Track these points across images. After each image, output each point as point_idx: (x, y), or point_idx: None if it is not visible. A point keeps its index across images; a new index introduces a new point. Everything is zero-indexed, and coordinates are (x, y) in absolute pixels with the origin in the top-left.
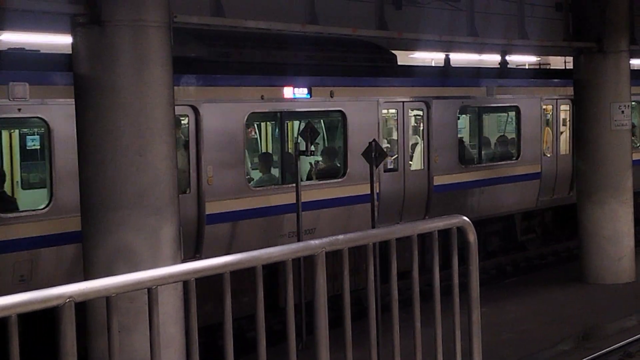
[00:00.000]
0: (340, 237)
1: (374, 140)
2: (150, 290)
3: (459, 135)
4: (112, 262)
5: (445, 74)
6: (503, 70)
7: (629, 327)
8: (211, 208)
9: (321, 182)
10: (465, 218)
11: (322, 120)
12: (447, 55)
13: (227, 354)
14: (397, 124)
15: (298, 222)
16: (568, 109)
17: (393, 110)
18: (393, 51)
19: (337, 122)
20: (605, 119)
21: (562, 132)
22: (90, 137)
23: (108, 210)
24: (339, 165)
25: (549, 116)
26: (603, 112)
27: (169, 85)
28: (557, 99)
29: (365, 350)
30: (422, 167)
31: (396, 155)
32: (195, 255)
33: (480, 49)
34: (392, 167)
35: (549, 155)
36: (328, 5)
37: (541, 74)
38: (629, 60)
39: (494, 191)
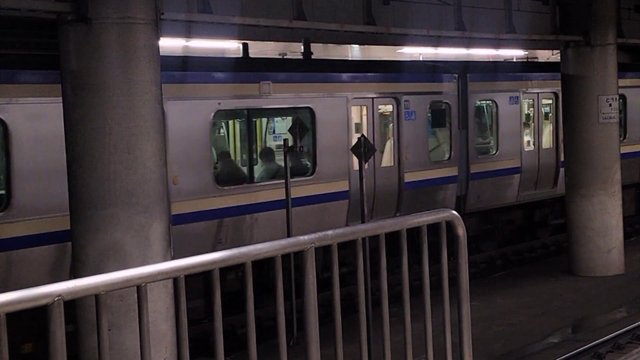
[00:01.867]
0: (329, 232)
1: (363, 135)
2: (140, 287)
3: (217, 148)
4: (102, 261)
5: (191, 67)
6: (287, 62)
7: (619, 319)
8: None
9: None
10: (454, 212)
11: None
12: (244, 44)
13: (218, 351)
14: None
15: (288, 219)
16: (391, 109)
17: None
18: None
19: None
20: (593, 112)
21: (387, 139)
22: (78, 135)
23: (97, 209)
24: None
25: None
26: (590, 105)
27: (157, 83)
28: (373, 98)
29: (355, 345)
30: None
31: None
32: None
33: (468, 44)
34: None
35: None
36: (315, 0)
37: (353, 67)
38: (616, 53)
39: (275, 218)
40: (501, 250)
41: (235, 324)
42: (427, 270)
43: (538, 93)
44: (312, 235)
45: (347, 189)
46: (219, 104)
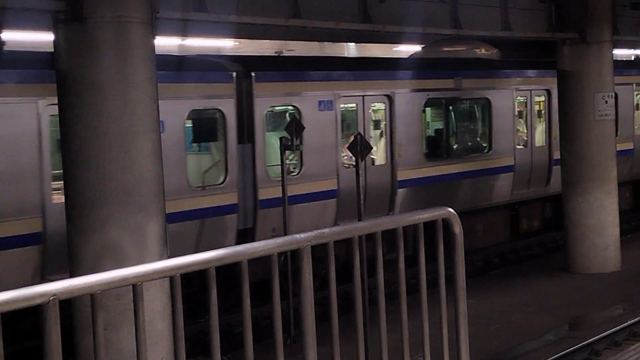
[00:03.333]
0: (326, 230)
1: (359, 133)
2: (135, 286)
3: None
4: (98, 260)
5: None
6: None
7: (615, 316)
8: None
9: None
10: (450, 210)
11: None
12: None
13: (214, 350)
14: None
15: (284, 216)
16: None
17: None
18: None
19: None
20: (589, 109)
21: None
22: (74, 134)
23: (93, 208)
24: None
25: None
26: (587, 102)
27: (153, 82)
28: None
29: (352, 343)
30: None
31: None
32: None
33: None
34: None
35: None
36: None
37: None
38: (612, 51)
39: None
40: (498, 248)
41: (232, 323)
42: (424, 268)
43: (363, 96)
44: (309, 234)
45: (40, 230)
46: None
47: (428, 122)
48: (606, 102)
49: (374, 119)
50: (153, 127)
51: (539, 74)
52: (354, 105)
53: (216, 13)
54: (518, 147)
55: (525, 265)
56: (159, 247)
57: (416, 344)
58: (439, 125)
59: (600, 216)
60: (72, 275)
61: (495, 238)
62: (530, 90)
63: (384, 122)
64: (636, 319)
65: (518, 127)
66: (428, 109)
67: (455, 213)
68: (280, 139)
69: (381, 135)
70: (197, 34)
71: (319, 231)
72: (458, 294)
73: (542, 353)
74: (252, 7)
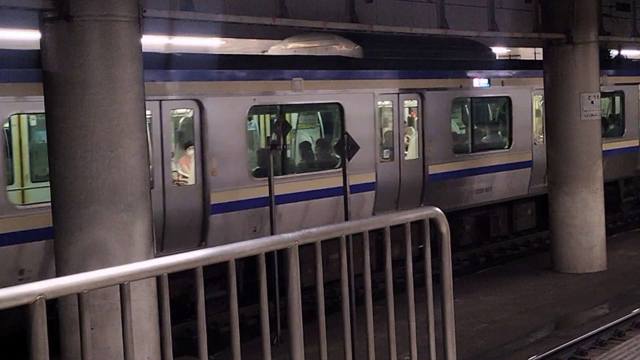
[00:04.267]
0: (313, 230)
1: (346, 133)
2: (122, 286)
3: None
4: (85, 259)
5: None
6: None
7: (601, 316)
8: None
9: None
10: (437, 209)
11: None
12: None
13: (201, 349)
14: None
15: (271, 216)
16: None
17: None
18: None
19: None
20: (575, 109)
21: None
22: (60, 133)
23: (79, 207)
24: None
25: None
26: (573, 102)
27: (139, 81)
28: None
29: (339, 343)
30: None
31: None
32: None
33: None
34: None
35: None
36: None
37: None
38: (598, 51)
39: None
40: (484, 248)
41: (219, 322)
42: (411, 267)
43: (161, 101)
44: (296, 233)
45: None
46: None
47: (256, 132)
48: (592, 102)
49: (177, 129)
50: (140, 126)
51: (411, 74)
52: (147, 112)
53: (203, 12)
54: (381, 160)
55: (512, 264)
56: (145, 247)
57: (403, 343)
58: (273, 136)
59: (586, 216)
60: (59, 274)
61: (355, 268)
62: (398, 93)
63: (193, 134)
64: (621, 319)
65: (381, 138)
66: (255, 117)
67: (442, 213)
68: (267, 137)
69: (186, 148)
70: (184, 33)
71: (306, 231)
72: (445, 293)
73: (528, 352)
74: (239, 6)
